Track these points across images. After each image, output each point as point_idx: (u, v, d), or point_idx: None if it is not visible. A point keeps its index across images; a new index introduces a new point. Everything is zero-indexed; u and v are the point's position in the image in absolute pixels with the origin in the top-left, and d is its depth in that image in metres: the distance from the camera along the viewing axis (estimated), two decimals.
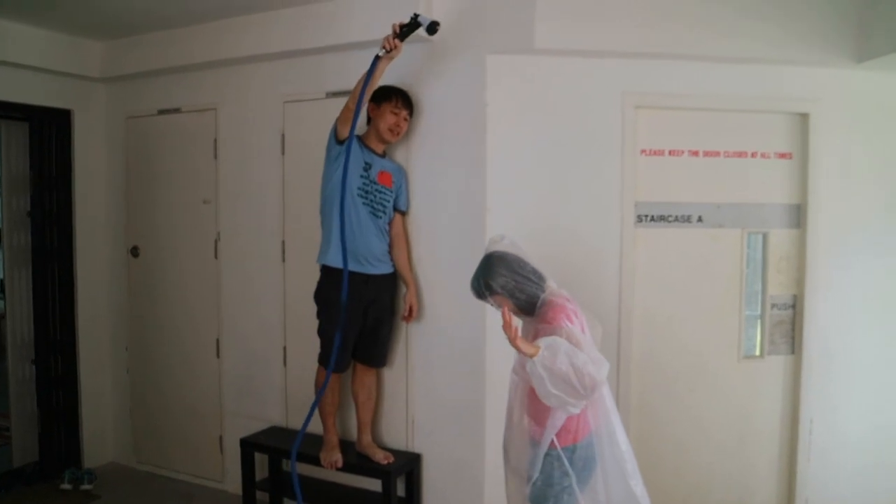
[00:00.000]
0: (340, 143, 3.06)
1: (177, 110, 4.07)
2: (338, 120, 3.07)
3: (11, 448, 4.14)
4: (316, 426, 3.39)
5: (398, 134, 3.21)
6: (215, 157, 3.94)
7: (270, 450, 3.56)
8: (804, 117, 3.30)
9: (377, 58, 2.91)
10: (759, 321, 3.40)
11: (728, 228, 3.33)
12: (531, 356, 2.11)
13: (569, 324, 2.21)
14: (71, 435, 4.25)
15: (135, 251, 4.27)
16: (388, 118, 3.16)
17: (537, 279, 2.33)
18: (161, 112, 4.12)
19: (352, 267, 3.13)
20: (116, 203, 4.35)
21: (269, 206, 3.76)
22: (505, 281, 2.30)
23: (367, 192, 3.15)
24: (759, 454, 3.40)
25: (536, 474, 2.28)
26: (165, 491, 4.02)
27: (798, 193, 3.34)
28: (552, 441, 2.25)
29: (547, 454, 2.26)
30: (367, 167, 3.17)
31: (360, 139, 3.21)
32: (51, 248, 4.17)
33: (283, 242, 3.72)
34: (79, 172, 4.24)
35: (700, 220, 3.32)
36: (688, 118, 3.29)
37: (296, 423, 3.43)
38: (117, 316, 4.38)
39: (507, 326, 2.15)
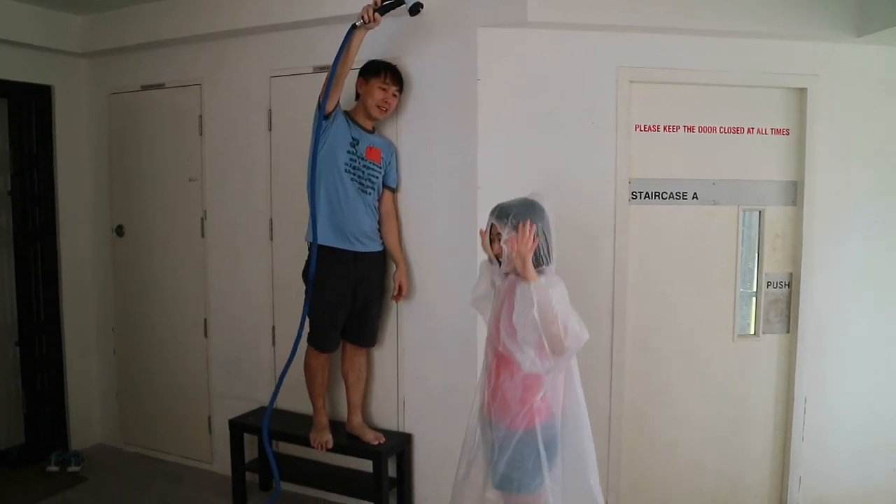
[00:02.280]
0: (325, 118, 2.99)
1: (161, 86, 3.97)
2: (319, 95, 2.99)
3: None
4: (306, 407, 3.37)
5: (387, 111, 3.13)
6: (201, 133, 3.85)
7: (259, 430, 3.52)
8: (802, 92, 3.24)
9: (353, 27, 2.83)
10: (753, 299, 3.37)
11: (723, 205, 3.28)
12: (532, 280, 2.14)
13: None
14: (57, 417, 4.20)
15: (120, 230, 4.20)
16: (376, 94, 3.08)
17: (549, 250, 2.30)
18: (145, 87, 4.02)
19: (340, 244, 3.09)
20: (100, 181, 4.26)
21: (256, 184, 3.68)
22: (535, 228, 2.24)
23: (354, 167, 3.08)
24: (753, 433, 3.39)
25: (505, 458, 2.23)
26: (153, 472, 3.98)
27: (795, 170, 3.29)
28: (526, 420, 2.22)
29: (518, 436, 2.22)
30: (355, 143, 3.09)
31: (348, 115, 3.14)
32: (33, 228, 4.08)
33: (271, 220, 3.65)
34: (60, 150, 4.14)
35: (695, 197, 3.27)
36: (683, 93, 3.23)
37: (285, 403, 3.40)
38: (103, 296, 4.32)
39: (525, 240, 2.17)
